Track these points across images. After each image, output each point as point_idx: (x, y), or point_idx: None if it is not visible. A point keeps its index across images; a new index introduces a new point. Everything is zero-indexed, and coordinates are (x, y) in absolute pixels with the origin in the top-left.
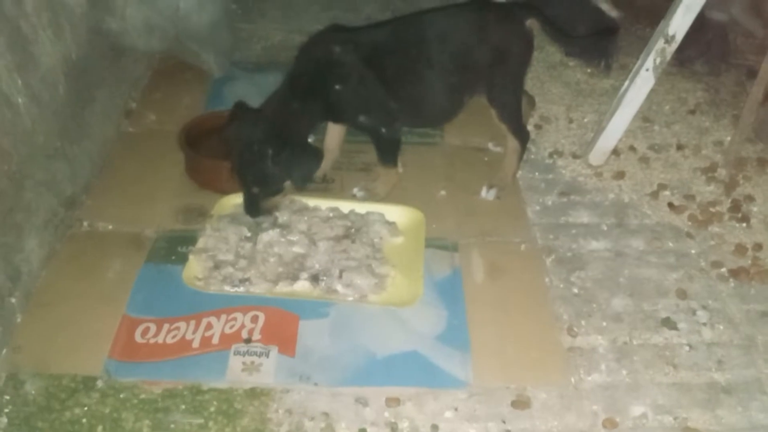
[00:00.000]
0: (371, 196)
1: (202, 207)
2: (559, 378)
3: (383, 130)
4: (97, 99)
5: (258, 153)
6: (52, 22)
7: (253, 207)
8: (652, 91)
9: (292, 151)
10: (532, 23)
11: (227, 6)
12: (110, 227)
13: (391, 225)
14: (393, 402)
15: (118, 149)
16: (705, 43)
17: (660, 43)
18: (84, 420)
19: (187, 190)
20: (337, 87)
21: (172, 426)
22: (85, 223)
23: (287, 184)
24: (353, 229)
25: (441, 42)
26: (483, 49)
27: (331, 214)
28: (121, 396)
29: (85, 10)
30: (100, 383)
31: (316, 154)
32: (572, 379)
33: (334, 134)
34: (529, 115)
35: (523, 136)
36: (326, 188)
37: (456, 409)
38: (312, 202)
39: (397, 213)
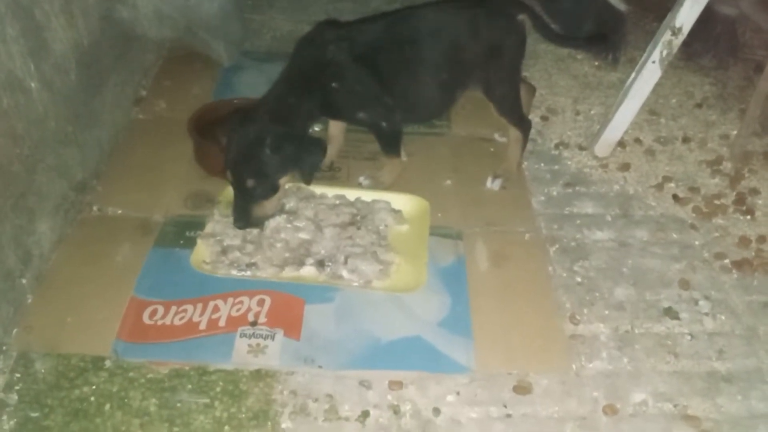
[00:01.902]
0: (377, 185)
1: (209, 193)
2: (561, 365)
3: (383, 123)
4: (107, 86)
5: (255, 143)
6: (64, 9)
7: (244, 214)
8: (659, 84)
9: (298, 143)
10: (523, 18)
11: None
12: (120, 212)
13: (396, 213)
14: (396, 385)
15: (128, 136)
16: (713, 38)
17: (667, 35)
18: (92, 398)
19: (195, 177)
20: (333, 85)
21: (179, 405)
22: (95, 208)
23: (283, 182)
24: (359, 217)
25: (434, 37)
26: (477, 45)
27: (337, 202)
28: (129, 375)
29: None
30: (108, 363)
31: (321, 145)
32: (574, 366)
33: (337, 122)
34: (530, 103)
35: (524, 126)
36: (333, 176)
37: (458, 394)
38: (319, 189)
39: (402, 201)
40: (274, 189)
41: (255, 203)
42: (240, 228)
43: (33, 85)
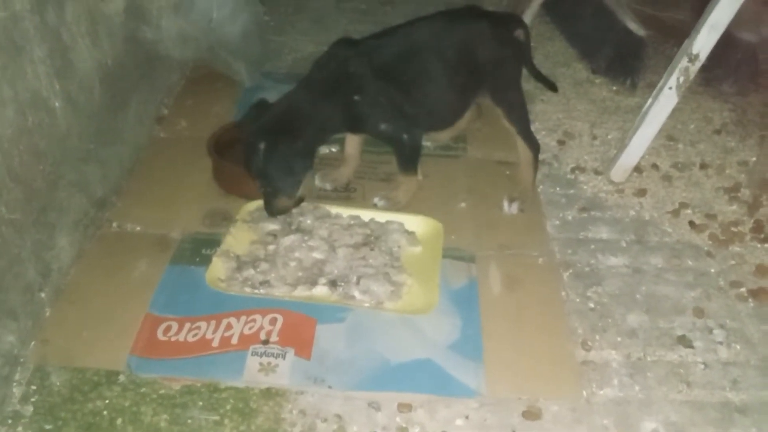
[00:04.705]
0: (392, 204)
1: (226, 212)
2: (572, 391)
3: (405, 136)
4: (130, 105)
5: (252, 146)
6: (90, 30)
7: (269, 205)
8: (678, 110)
9: (282, 154)
10: (519, 33)
11: (259, 18)
12: (138, 228)
13: (410, 234)
14: (405, 408)
15: (149, 153)
16: (733, 63)
17: (684, 62)
18: (105, 412)
19: (213, 195)
20: (356, 98)
21: (189, 421)
22: (114, 224)
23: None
24: (372, 237)
25: (447, 46)
26: (483, 54)
27: (351, 222)
28: (141, 391)
29: (122, 19)
30: (121, 378)
31: (305, 165)
32: (584, 393)
33: (353, 141)
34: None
35: (534, 144)
36: (348, 197)
37: (467, 418)
38: (334, 209)
39: (416, 223)
40: (285, 190)
41: (274, 197)
42: (269, 215)
43: (57, 104)
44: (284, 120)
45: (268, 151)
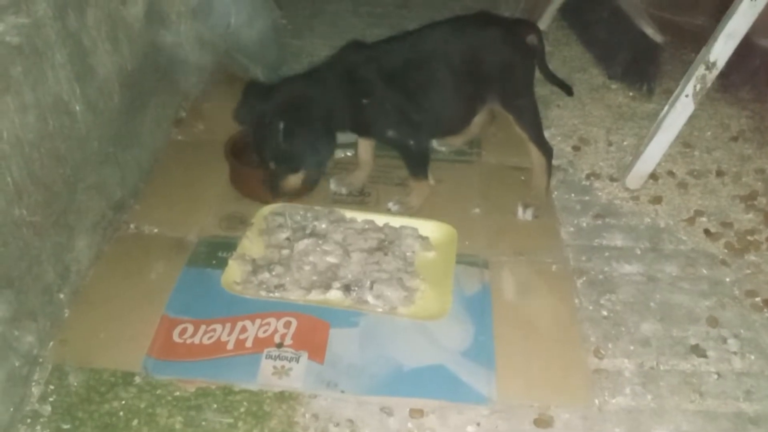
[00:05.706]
0: (405, 209)
1: (243, 215)
2: (583, 399)
3: (411, 142)
4: (149, 108)
5: (270, 126)
6: (110, 35)
7: (272, 186)
8: (695, 116)
9: (306, 132)
10: (532, 39)
11: (276, 22)
12: (155, 231)
13: (423, 239)
14: (417, 413)
15: (167, 156)
16: (751, 70)
17: (701, 70)
18: (121, 413)
19: (230, 199)
20: (364, 102)
21: (203, 423)
22: (132, 226)
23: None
24: (386, 242)
25: (456, 54)
26: (493, 60)
27: (366, 227)
28: (157, 392)
29: (142, 24)
30: (137, 379)
31: (330, 139)
32: (596, 401)
33: (366, 146)
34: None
35: (547, 149)
36: (362, 201)
37: (478, 424)
38: (348, 213)
39: (430, 228)
40: (295, 169)
41: (280, 178)
42: (273, 197)
43: (77, 107)
44: (297, 101)
45: (288, 129)
